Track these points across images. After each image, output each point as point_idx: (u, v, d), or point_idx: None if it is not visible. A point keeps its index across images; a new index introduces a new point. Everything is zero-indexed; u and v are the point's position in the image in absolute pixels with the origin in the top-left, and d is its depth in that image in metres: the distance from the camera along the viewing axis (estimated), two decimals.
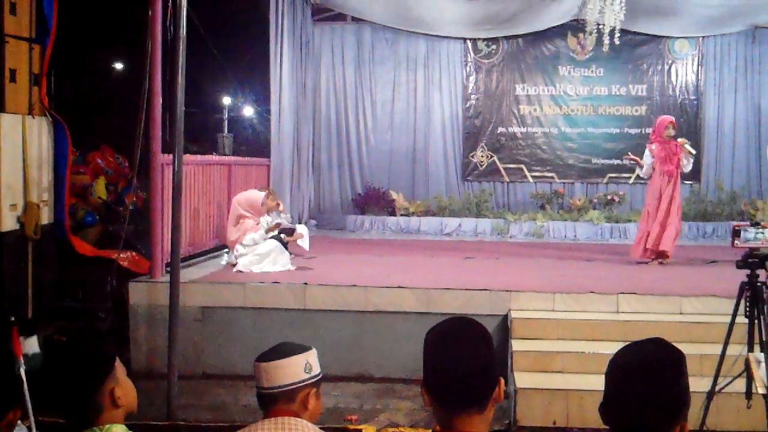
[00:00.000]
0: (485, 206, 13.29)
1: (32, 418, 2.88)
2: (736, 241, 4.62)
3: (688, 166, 9.00)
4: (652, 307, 7.03)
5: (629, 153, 10.38)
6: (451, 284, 7.41)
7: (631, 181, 13.49)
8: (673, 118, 9.34)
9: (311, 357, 2.63)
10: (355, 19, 13.61)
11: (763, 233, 4.57)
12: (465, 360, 2.08)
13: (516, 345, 6.52)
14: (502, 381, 2.15)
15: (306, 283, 7.38)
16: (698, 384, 4.87)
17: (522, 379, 6.07)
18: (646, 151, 9.11)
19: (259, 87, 14.31)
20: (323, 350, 7.33)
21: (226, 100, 28.60)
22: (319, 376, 2.64)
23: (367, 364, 7.11)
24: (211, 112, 27.55)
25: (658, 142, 8.99)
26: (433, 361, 2.13)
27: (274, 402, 2.53)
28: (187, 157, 8.07)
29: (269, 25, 11.60)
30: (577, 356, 6.30)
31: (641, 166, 9.27)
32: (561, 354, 6.37)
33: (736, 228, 4.61)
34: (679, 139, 9.09)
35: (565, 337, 6.68)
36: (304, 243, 8.79)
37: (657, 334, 6.46)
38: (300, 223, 9.40)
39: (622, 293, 7.13)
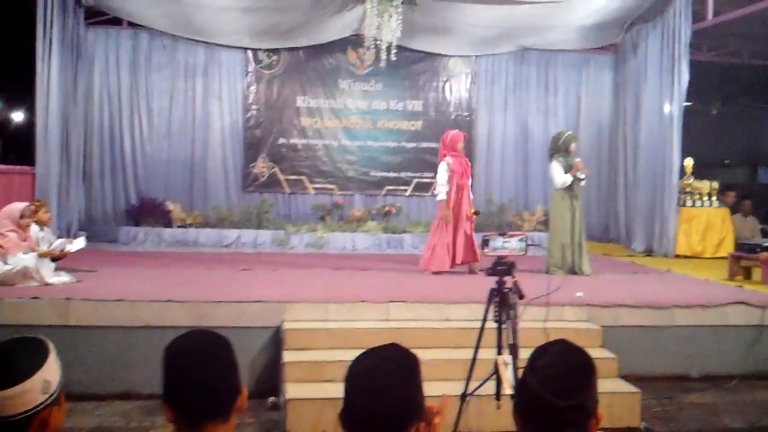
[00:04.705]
0: (266, 217, 13.20)
1: None
2: (485, 250, 4.89)
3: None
4: (421, 314, 7.24)
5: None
6: (225, 297, 7.25)
7: (407, 193, 13.98)
8: (465, 134, 9.60)
9: (49, 370, 2.06)
10: (131, 25, 13.13)
11: (509, 242, 4.86)
12: (208, 372, 2.10)
13: (288, 356, 6.50)
14: (245, 390, 2.16)
15: (68, 298, 6.97)
16: (461, 387, 5.08)
17: (293, 390, 6.05)
18: (443, 164, 9.06)
19: (27, 90, 13.45)
20: (88, 369, 6.91)
21: None
22: (59, 391, 2.10)
23: (135, 381, 6.79)
24: None
25: (453, 156, 9.10)
26: (175, 376, 2.12)
27: None
28: None
29: (36, 27, 10.98)
30: (347, 365, 6.34)
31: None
32: (332, 363, 6.38)
33: (486, 237, 4.88)
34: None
35: (337, 347, 6.70)
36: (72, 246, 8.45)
37: (425, 340, 6.60)
38: (69, 236, 8.91)
39: (392, 301, 7.30)
